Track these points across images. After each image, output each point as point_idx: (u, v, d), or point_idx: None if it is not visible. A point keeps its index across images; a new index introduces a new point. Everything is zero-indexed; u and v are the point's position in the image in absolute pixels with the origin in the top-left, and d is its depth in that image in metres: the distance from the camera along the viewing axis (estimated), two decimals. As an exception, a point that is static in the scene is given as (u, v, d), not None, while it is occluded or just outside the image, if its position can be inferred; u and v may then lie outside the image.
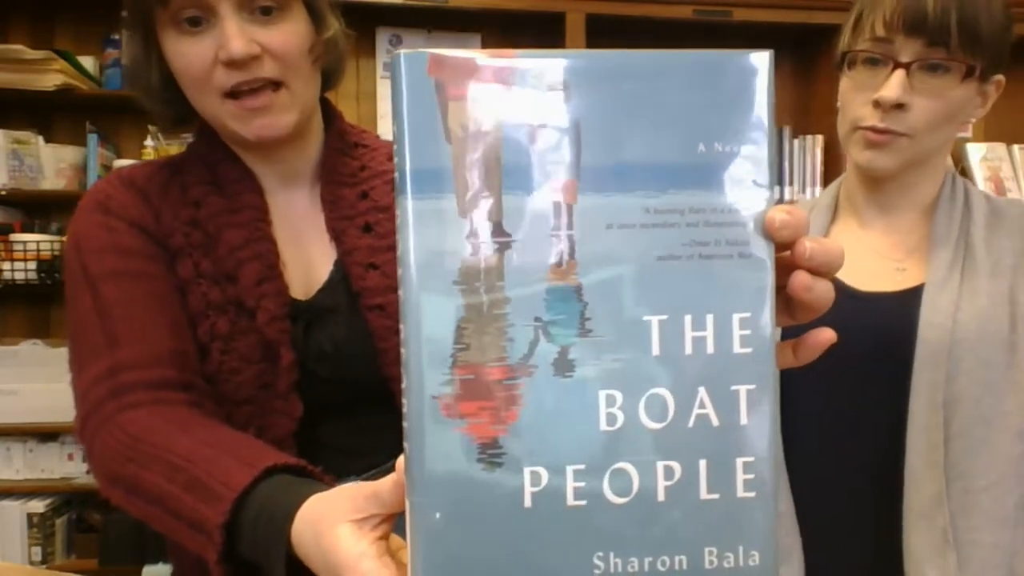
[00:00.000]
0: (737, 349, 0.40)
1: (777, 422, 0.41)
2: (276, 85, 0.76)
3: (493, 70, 0.38)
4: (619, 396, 0.39)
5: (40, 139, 2.41)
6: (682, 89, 0.39)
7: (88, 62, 2.42)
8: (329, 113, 0.89)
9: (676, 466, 0.39)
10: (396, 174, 0.38)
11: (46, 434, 2.30)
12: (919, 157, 0.91)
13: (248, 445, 0.65)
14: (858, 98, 0.90)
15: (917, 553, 0.86)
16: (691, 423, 0.39)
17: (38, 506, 2.26)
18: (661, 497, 0.39)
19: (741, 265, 0.40)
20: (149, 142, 2.42)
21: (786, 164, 2.71)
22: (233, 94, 0.75)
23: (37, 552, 2.26)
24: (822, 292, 0.42)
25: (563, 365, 0.38)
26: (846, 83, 0.92)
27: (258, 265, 0.78)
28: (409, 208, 0.38)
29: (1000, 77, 0.92)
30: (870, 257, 0.96)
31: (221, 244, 0.78)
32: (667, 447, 0.39)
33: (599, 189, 0.39)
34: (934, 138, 0.90)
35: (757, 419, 0.40)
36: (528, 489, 0.38)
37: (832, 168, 2.66)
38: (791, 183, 2.70)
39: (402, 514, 0.43)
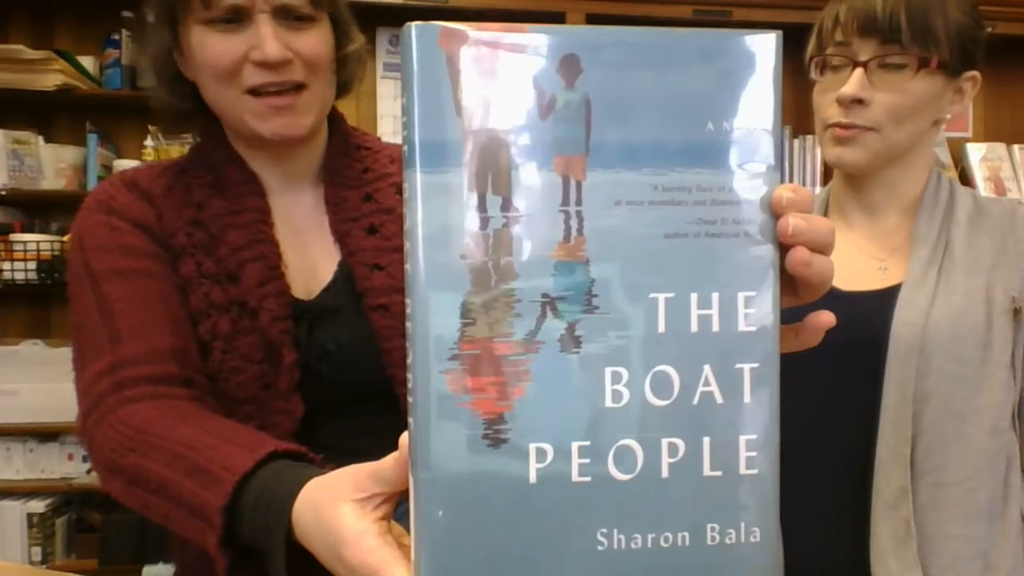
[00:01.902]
0: (742, 327, 0.40)
1: (778, 401, 0.41)
2: (299, 87, 0.78)
3: (506, 44, 0.38)
4: (625, 373, 0.39)
5: (40, 139, 2.41)
6: (693, 68, 0.39)
7: (88, 62, 2.42)
8: (333, 116, 0.90)
9: (680, 443, 0.39)
10: (405, 147, 0.38)
11: (46, 434, 2.30)
12: (889, 152, 0.94)
13: (250, 434, 0.65)
14: (825, 99, 0.95)
15: (882, 543, 0.88)
16: (696, 400, 0.39)
17: (38, 506, 2.26)
18: (665, 474, 0.39)
19: (747, 244, 0.40)
20: (149, 142, 2.42)
21: (786, 164, 2.71)
22: (255, 91, 0.77)
23: (37, 552, 2.25)
24: (821, 268, 0.42)
25: (570, 341, 0.38)
26: (816, 88, 0.97)
27: (260, 266, 0.78)
28: (418, 181, 0.37)
29: (975, 73, 0.95)
30: (855, 257, 0.98)
31: (223, 245, 0.79)
32: (671, 424, 0.39)
33: (608, 166, 0.38)
34: (901, 131, 0.92)
35: (760, 397, 0.40)
36: (533, 465, 0.38)
37: (832, 168, 2.66)
38: (790, 183, 2.70)
39: (402, 503, 0.43)
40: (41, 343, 2.42)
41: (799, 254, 0.41)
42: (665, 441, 0.39)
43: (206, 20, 0.76)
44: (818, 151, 2.68)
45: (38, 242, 2.32)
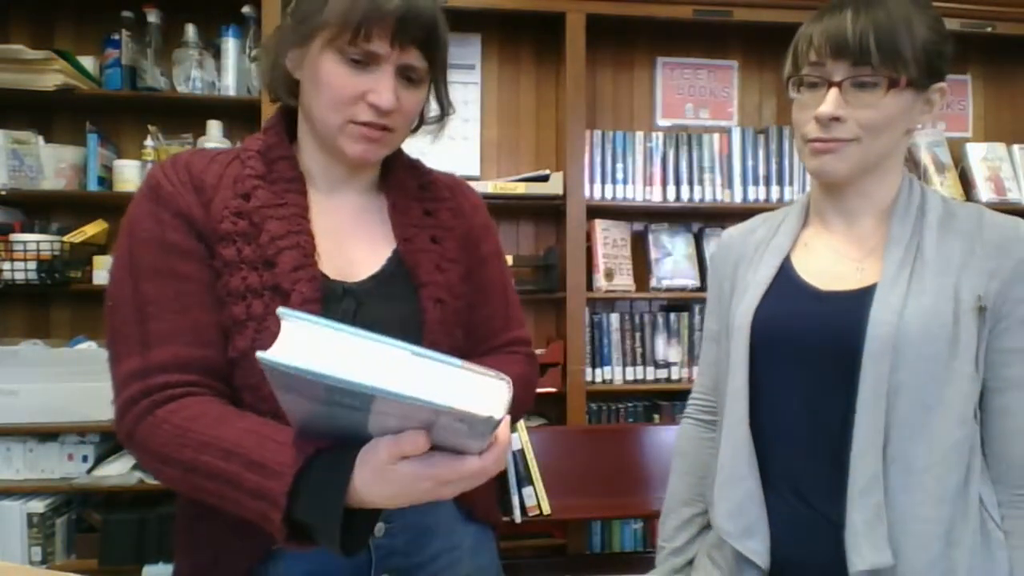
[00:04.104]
0: None
1: None
2: (388, 128, 0.92)
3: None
4: None
5: (40, 139, 2.41)
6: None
7: (88, 62, 2.42)
8: None
9: None
10: None
11: (46, 434, 2.30)
12: (867, 162, 1.00)
13: (278, 431, 0.79)
14: (803, 115, 1.02)
15: (855, 527, 0.94)
16: None
17: (38, 506, 2.26)
18: None
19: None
20: (149, 142, 2.43)
21: (786, 163, 2.71)
22: (355, 121, 0.90)
23: (37, 552, 2.25)
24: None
25: None
26: (795, 105, 1.04)
27: (295, 253, 0.88)
28: None
29: (943, 85, 1.00)
30: (833, 258, 1.05)
31: (264, 233, 0.89)
32: None
33: None
34: (878, 143, 0.99)
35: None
36: None
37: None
38: (791, 183, 2.70)
39: None
40: (41, 343, 2.42)
41: None
42: None
43: (340, 52, 0.88)
44: (818, 151, 2.68)
45: (38, 242, 2.32)
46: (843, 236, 1.06)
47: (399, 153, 1.04)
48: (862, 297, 0.98)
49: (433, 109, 1.02)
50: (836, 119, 0.97)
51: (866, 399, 0.94)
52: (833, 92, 0.97)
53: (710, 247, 2.75)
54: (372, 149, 0.92)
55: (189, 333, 0.86)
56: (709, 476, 1.16)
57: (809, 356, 1.00)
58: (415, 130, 1.03)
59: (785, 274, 1.06)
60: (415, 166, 1.06)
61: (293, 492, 0.73)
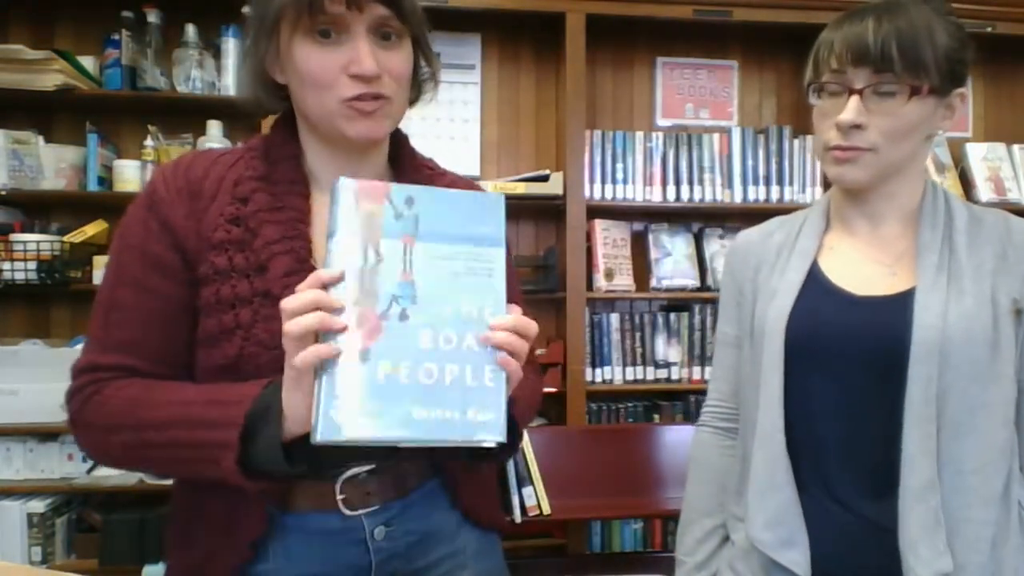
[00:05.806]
0: (486, 316, 0.78)
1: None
2: (382, 97, 0.89)
3: (383, 189, 0.78)
4: (430, 332, 0.76)
5: (40, 139, 2.41)
6: (467, 204, 0.81)
7: (88, 62, 2.42)
8: (398, 135, 1.01)
9: (456, 367, 0.76)
10: (331, 226, 0.75)
11: (46, 434, 2.30)
12: (887, 169, 1.00)
13: (231, 388, 0.82)
14: (824, 123, 1.02)
15: (911, 532, 0.93)
16: (465, 346, 0.77)
17: (38, 506, 2.27)
18: (447, 382, 0.75)
19: (488, 278, 0.79)
20: (149, 142, 2.43)
21: (786, 164, 2.71)
22: (346, 99, 0.87)
23: (37, 552, 2.26)
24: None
25: (404, 316, 0.75)
26: (815, 111, 1.03)
27: (289, 259, 0.88)
28: (340, 243, 0.75)
29: (963, 90, 1.00)
30: (861, 262, 1.05)
31: (258, 238, 0.88)
32: (452, 358, 0.76)
33: (424, 240, 0.77)
34: (898, 150, 0.99)
35: (492, 349, 0.78)
36: (381, 372, 0.73)
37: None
38: (791, 183, 2.70)
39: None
40: (41, 343, 2.42)
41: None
42: (449, 366, 0.76)
43: (306, 32, 0.86)
44: (818, 151, 2.67)
45: (38, 242, 2.32)
46: (868, 240, 1.06)
47: (410, 150, 1.03)
48: (902, 301, 0.98)
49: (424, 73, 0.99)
50: (857, 127, 0.97)
51: (915, 403, 0.93)
52: (854, 100, 0.96)
53: (710, 247, 2.75)
54: (374, 124, 0.89)
55: (149, 347, 0.88)
56: (730, 486, 1.15)
57: (848, 360, 0.99)
58: (414, 102, 1.00)
59: (814, 278, 1.05)
60: (429, 166, 1.05)
61: (250, 419, 0.77)
